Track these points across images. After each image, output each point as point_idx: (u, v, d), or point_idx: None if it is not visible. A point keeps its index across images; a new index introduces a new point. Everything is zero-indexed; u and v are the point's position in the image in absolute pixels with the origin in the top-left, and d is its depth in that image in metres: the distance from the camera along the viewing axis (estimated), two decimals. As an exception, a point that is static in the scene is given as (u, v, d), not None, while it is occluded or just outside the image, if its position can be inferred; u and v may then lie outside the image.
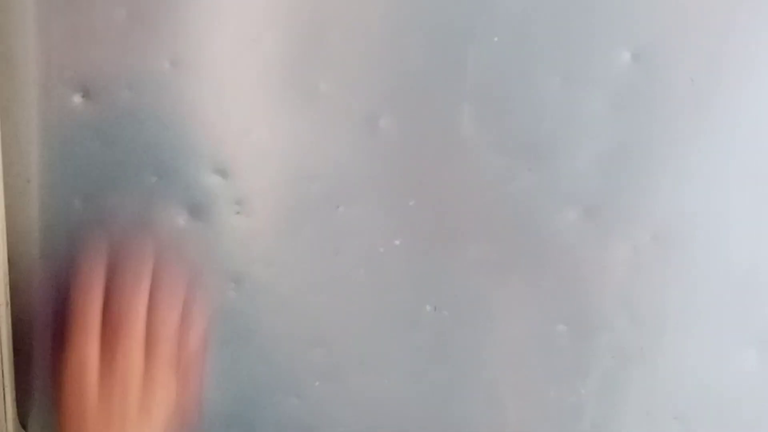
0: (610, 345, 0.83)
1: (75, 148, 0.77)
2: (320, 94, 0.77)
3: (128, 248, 0.76)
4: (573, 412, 0.85)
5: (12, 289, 0.80)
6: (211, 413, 0.85)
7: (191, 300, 0.77)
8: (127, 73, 0.76)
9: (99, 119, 0.77)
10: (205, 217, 0.79)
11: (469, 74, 0.76)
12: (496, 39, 0.75)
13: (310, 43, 0.75)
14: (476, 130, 0.77)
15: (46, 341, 0.80)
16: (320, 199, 0.80)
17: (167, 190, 0.78)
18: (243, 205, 0.79)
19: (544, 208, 0.79)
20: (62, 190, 0.79)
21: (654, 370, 0.84)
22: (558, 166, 0.78)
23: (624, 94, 0.76)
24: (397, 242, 0.81)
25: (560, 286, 0.82)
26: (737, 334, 0.83)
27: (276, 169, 0.79)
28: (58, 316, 0.75)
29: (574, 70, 0.75)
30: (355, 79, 0.77)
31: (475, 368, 0.85)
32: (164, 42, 0.75)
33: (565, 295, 0.82)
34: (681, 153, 0.77)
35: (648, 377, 0.84)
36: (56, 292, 0.77)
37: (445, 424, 0.87)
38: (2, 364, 0.80)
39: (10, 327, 0.80)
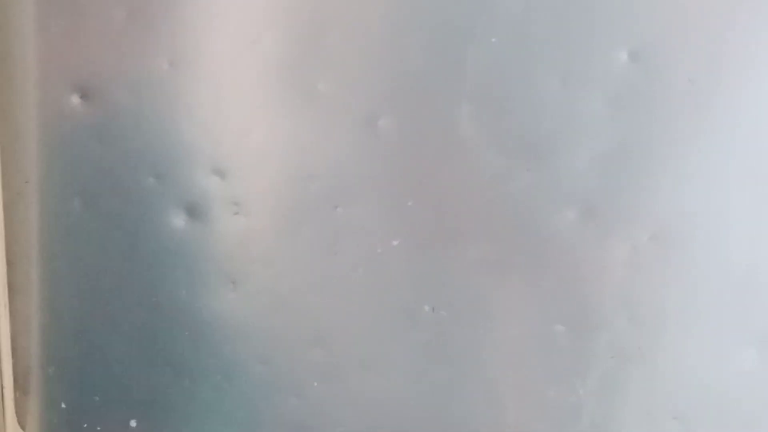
0: (609, 345, 0.83)
1: (73, 148, 0.78)
2: (319, 94, 0.77)
3: None
4: (572, 412, 0.85)
5: (10, 290, 0.80)
6: (210, 413, 0.85)
7: None
8: (126, 74, 0.76)
9: (97, 120, 0.77)
10: (204, 217, 0.79)
11: (468, 75, 0.76)
12: (494, 40, 0.74)
13: (309, 44, 0.75)
14: (475, 131, 0.77)
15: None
16: (319, 200, 0.80)
17: (166, 191, 0.78)
18: (241, 206, 0.79)
19: (543, 208, 0.79)
20: (60, 190, 0.79)
21: (653, 369, 0.84)
22: (557, 166, 0.78)
23: (623, 95, 0.76)
24: (395, 242, 0.81)
25: (559, 286, 0.82)
26: (736, 334, 0.83)
27: (274, 170, 0.79)
28: None
29: (572, 71, 0.75)
30: (354, 80, 0.77)
31: (473, 368, 0.85)
32: (163, 43, 0.75)
33: (564, 295, 0.82)
34: (680, 153, 0.77)
35: (647, 377, 0.84)
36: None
37: (444, 423, 0.87)
38: (0, 364, 0.80)
39: (8, 327, 0.80)
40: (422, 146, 0.78)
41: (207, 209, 0.79)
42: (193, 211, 0.79)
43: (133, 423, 0.88)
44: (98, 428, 0.89)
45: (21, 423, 0.86)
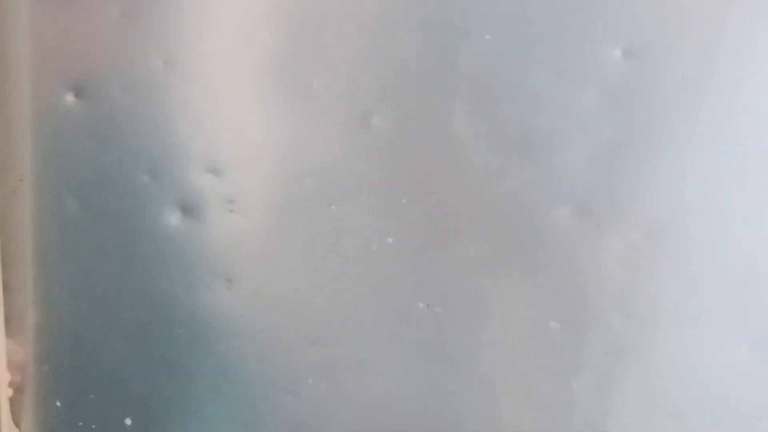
0: (604, 341, 0.83)
1: (67, 146, 0.77)
2: (313, 92, 0.77)
3: None
4: (566, 409, 0.85)
5: (5, 288, 0.80)
6: (206, 411, 0.85)
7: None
8: (120, 72, 0.76)
9: (91, 118, 0.77)
10: (198, 215, 0.79)
11: (462, 72, 0.76)
12: (488, 37, 0.75)
13: (302, 42, 0.75)
14: (469, 128, 0.77)
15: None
16: (313, 197, 0.80)
17: (160, 189, 0.78)
18: (236, 204, 0.79)
19: (538, 204, 0.79)
20: (55, 188, 0.79)
21: (648, 366, 0.84)
22: (551, 163, 0.78)
23: (617, 92, 0.76)
24: (390, 240, 0.81)
25: (554, 283, 0.82)
26: (731, 331, 0.83)
27: (269, 167, 0.79)
28: None
29: (567, 68, 0.75)
30: (348, 77, 0.77)
31: (468, 365, 0.85)
32: (157, 41, 0.75)
33: (559, 291, 0.82)
34: (674, 150, 0.77)
35: (642, 374, 0.84)
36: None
37: (439, 419, 0.87)
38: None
39: (3, 327, 0.80)
40: (417, 143, 0.78)
41: (201, 207, 0.79)
42: (188, 209, 0.79)
43: (128, 421, 0.88)
44: (93, 426, 0.89)
45: (16, 421, 0.86)
